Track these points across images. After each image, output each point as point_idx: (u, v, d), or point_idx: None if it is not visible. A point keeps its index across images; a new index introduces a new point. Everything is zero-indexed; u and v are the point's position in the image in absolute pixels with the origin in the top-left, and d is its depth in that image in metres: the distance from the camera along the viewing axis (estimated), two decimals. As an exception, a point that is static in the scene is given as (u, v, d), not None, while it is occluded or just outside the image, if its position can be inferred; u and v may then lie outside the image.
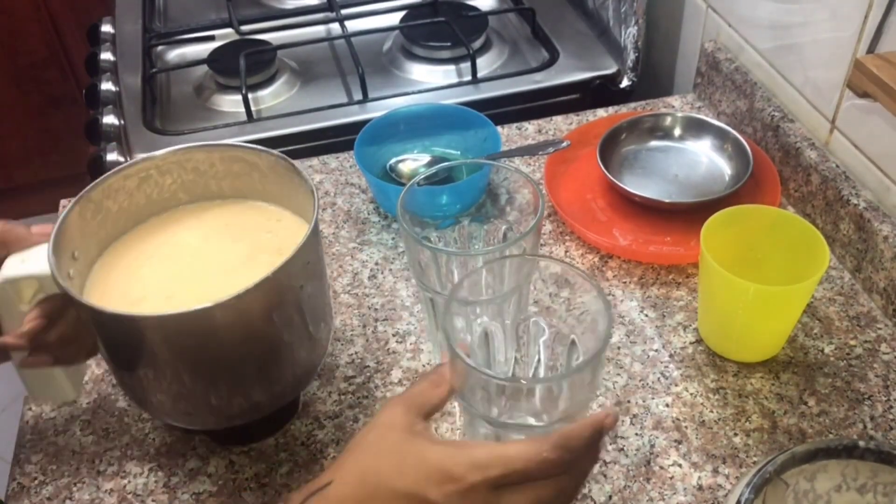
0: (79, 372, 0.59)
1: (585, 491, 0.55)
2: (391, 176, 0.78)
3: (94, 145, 0.91)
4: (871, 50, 0.63)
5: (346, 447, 0.43)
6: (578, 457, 0.40)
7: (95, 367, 0.66)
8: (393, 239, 0.75)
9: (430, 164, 0.78)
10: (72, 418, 0.61)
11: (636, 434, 0.58)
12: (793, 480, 0.47)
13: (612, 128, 0.79)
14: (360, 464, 0.41)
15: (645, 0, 0.89)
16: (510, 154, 0.78)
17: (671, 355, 0.64)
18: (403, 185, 0.67)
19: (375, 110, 0.89)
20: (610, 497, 0.54)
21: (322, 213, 0.79)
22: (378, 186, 0.76)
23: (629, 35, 0.92)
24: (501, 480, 0.38)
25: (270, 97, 0.96)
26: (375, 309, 0.68)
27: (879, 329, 0.65)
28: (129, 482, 0.57)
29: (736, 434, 0.58)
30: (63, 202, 0.82)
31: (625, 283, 0.70)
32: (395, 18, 1.05)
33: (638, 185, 0.75)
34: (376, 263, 0.73)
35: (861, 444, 0.47)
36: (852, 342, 0.64)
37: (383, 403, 0.42)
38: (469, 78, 0.95)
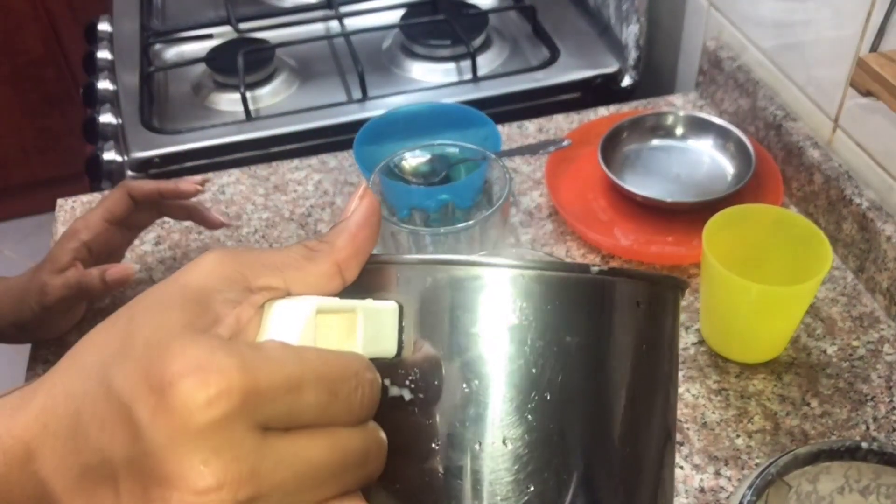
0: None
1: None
2: (395, 173, 0.78)
3: (91, 144, 0.91)
4: (874, 48, 0.63)
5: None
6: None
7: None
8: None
9: (430, 163, 0.78)
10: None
11: (638, 435, 0.58)
12: (795, 482, 0.46)
13: (614, 127, 0.79)
14: (90, 337, 0.26)
15: (646, -2, 0.89)
16: (511, 153, 0.78)
17: (673, 356, 0.63)
18: (404, 182, 0.66)
19: (375, 109, 0.88)
20: (611, 499, 0.54)
21: (321, 212, 0.79)
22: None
23: (630, 33, 0.92)
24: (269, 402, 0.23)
25: (269, 96, 0.95)
26: (375, 309, 0.68)
27: (882, 330, 0.64)
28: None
29: (738, 436, 0.57)
30: (60, 201, 0.82)
31: (626, 283, 0.69)
32: (394, 16, 1.04)
33: (639, 185, 0.74)
34: (376, 263, 0.73)
35: (864, 445, 0.46)
36: (855, 343, 0.63)
37: (216, 249, 0.26)
38: (469, 76, 0.94)
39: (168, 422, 0.22)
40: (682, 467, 0.56)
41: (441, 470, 0.26)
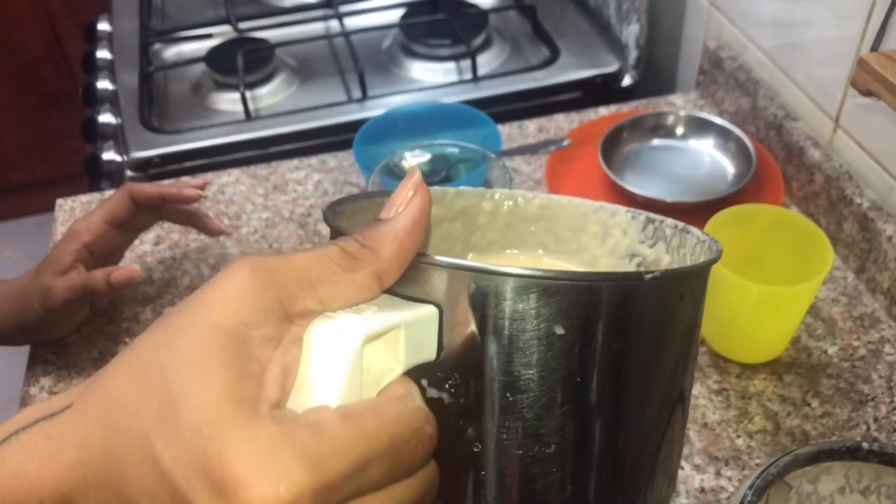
0: None
1: (587, 493, 0.54)
2: (395, 173, 0.78)
3: (90, 144, 0.90)
4: (874, 48, 0.63)
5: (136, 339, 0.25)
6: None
7: (92, 368, 0.65)
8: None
9: (430, 163, 0.78)
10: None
11: (638, 436, 0.58)
12: (796, 483, 0.46)
13: (614, 126, 0.79)
14: (122, 389, 0.23)
15: (646, -2, 0.89)
16: (511, 153, 0.78)
17: (673, 356, 0.63)
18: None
19: (375, 108, 0.88)
20: (612, 500, 0.54)
21: (321, 212, 0.78)
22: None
23: (631, 33, 0.92)
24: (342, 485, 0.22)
25: (269, 95, 0.95)
26: (375, 309, 0.68)
27: (883, 330, 0.64)
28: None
29: (739, 436, 0.57)
30: (59, 201, 0.82)
31: (626, 283, 0.69)
32: (394, 16, 1.04)
33: (640, 185, 0.74)
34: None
35: (864, 445, 0.46)
36: (856, 343, 0.63)
37: (236, 260, 0.24)
38: (469, 76, 0.94)
39: None
40: (682, 468, 0.56)
41: (478, 475, 0.26)
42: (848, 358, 0.62)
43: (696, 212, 0.69)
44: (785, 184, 0.75)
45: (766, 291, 0.56)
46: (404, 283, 0.26)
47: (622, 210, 0.36)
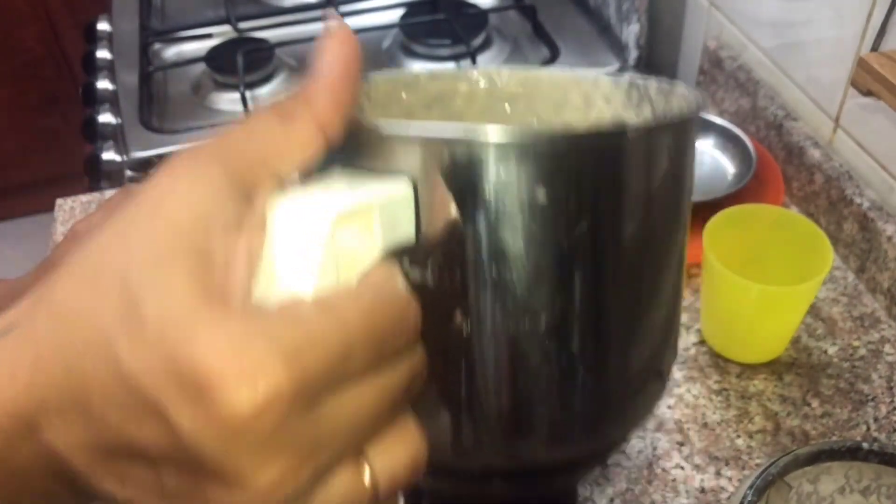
0: None
1: (587, 494, 0.54)
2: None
3: (90, 144, 0.90)
4: (874, 48, 0.63)
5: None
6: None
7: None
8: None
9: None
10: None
11: (638, 436, 0.58)
12: (796, 483, 0.46)
13: (614, 126, 0.78)
14: (74, 298, 0.21)
15: (646, -3, 0.89)
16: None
17: (673, 356, 0.63)
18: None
19: (374, 108, 0.88)
20: (612, 500, 0.54)
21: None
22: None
23: (631, 33, 0.92)
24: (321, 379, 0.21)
25: (269, 95, 0.95)
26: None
27: (883, 330, 0.64)
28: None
29: (739, 436, 0.57)
30: (59, 201, 0.81)
31: (626, 283, 0.69)
32: (394, 16, 1.04)
33: (639, 185, 0.74)
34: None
35: (865, 445, 0.46)
36: (856, 343, 0.63)
37: (181, 153, 0.23)
38: (469, 76, 0.94)
39: (214, 431, 0.19)
40: (682, 468, 0.56)
41: (469, 359, 0.25)
42: (848, 358, 0.62)
43: (695, 212, 0.69)
44: (785, 184, 0.75)
45: (766, 291, 0.56)
46: (373, 158, 0.24)
47: (604, 77, 0.34)
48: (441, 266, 0.24)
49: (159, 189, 0.22)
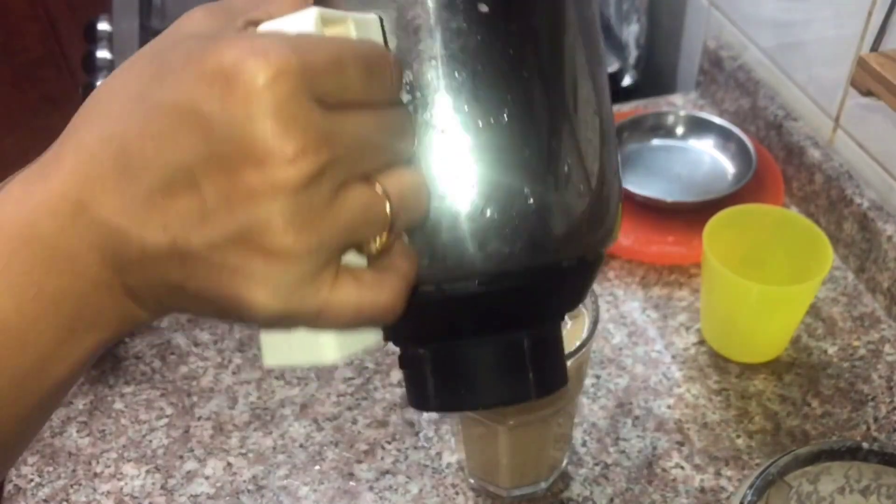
0: None
1: (587, 493, 0.54)
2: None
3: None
4: (874, 48, 0.63)
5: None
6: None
7: (92, 369, 0.65)
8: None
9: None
10: (68, 419, 0.61)
11: (638, 436, 0.58)
12: (796, 482, 0.46)
13: (614, 126, 0.79)
14: (107, 86, 0.26)
15: (646, -3, 0.89)
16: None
17: (673, 356, 0.63)
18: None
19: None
20: (612, 500, 0.54)
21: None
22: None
23: (631, 33, 0.92)
24: (325, 75, 0.24)
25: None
26: (375, 309, 0.68)
27: (883, 330, 0.64)
28: (126, 484, 0.56)
29: (739, 436, 0.57)
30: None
31: (626, 283, 0.69)
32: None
33: (640, 185, 0.74)
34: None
35: (864, 445, 0.46)
36: (856, 343, 0.63)
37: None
38: (469, 76, 0.94)
39: (240, 106, 0.22)
40: (682, 467, 0.56)
41: (448, 157, 0.29)
42: (848, 358, 0.62)
43: (695, 212, 0.69)
44: (785, 184, 0.75)
45: (766, 291, 0.56)
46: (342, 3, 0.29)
47: None
48: (413, 84, 0.28)
49: (173, 27, 0.27)
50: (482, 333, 0.31)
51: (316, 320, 0.25)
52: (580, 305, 0.47)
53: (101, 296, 0.25)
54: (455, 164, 0.28)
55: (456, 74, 0.28)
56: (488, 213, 0.29)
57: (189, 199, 0.23)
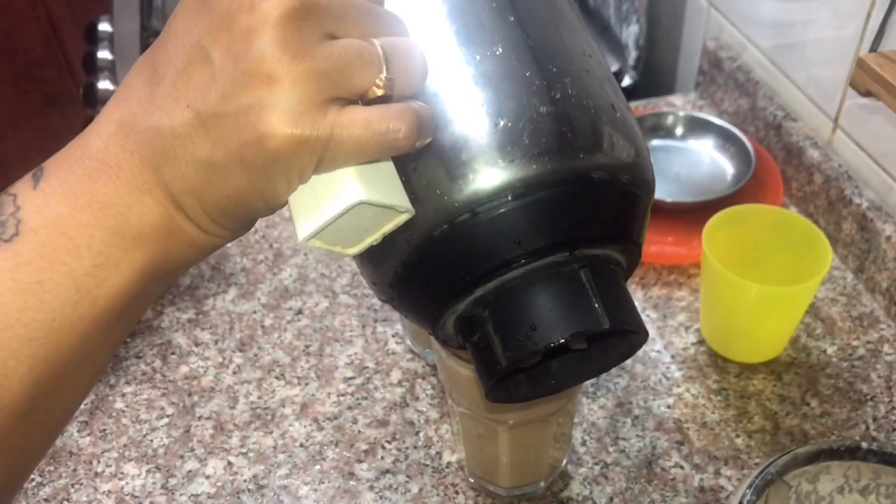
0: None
1: (587, 493, 0.55)
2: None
3: (91, 144, 0.90)
4: (873, 48, 0.63)
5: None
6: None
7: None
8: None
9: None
10: (69, 419, 0.61)
11: (637, 435, 0.58)
12: (795, 482, 0.46)
13: (613, 127, 0.79)
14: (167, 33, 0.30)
15: (646, -2, 0.89)
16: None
17: (673, 356, 0.63)
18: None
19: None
20: (611, 499, 0.54)
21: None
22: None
23: (630, 33, 0.92)
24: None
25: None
26: (375, 309, 0.68)
27: (882, 330, 0.64)
28: (127, 484, 0.57)
29: (738, 435, 0.57)
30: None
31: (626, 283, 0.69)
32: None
33: (639, 185, 0.74)
34: (376, 263, 0.73)
35: (864, 445, 0.46)
36: (855, 343, 0.64)
37: None
38: (469, 76, 0.94)
39: (258, 25, 0.26)
40: (682, 467, 0.56)
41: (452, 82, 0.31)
42: (847, 358, 0.62)
43: (695, 212, 0.70)
44: (784, 184, 0.75)
45: (765, 291, 0.56)
46: None
47: None
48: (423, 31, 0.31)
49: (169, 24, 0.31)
50: (532, 258, 0.31)
51: (328, 143, 0.27)
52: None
53: (143, 200, 0.28)
54: (462, 90, 0.31)
55: (457, 24, 0.32)
56: (501, 123, 0.30)
57: (202, 71, 0.27)
